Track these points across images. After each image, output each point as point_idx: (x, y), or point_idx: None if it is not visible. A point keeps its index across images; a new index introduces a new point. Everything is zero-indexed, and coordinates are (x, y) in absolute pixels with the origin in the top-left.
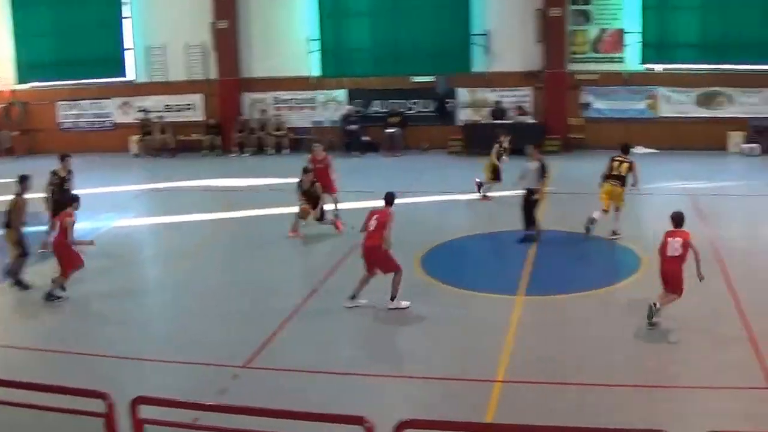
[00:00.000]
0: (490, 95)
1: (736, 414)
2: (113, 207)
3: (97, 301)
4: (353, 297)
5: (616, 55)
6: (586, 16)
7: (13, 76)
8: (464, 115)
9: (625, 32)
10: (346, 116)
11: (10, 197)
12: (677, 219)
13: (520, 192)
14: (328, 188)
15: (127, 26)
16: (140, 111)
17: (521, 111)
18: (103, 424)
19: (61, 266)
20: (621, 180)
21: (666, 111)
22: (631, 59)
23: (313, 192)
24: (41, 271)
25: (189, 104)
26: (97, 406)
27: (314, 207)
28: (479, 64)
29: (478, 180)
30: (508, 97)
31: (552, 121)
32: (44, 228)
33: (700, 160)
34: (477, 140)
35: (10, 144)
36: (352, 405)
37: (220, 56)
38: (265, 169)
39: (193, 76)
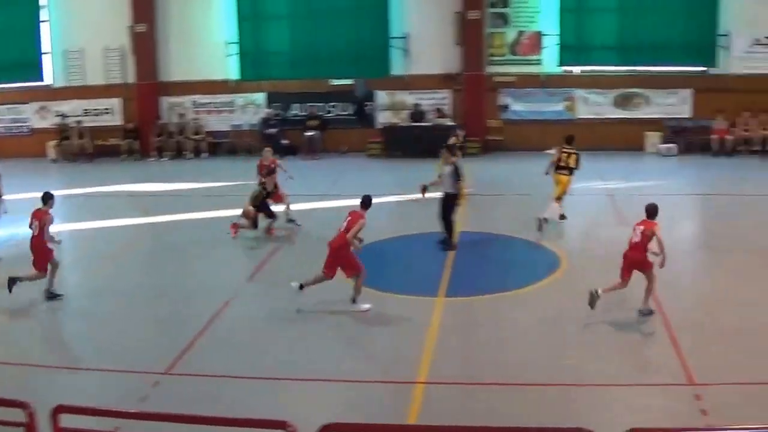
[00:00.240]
0: (409, 98)
1: (658, 411)
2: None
3: (16, 307)
4: (302, 286)
5: (534, 57)
6: (504, 19)
7: None
8: (383, 118)
9: (543, 35)
10: (265, 120)
11: None
12: (650, 210)
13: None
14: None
15: (44, 30)
16: (58, 116)
17: (440, 113)
18: None
19: (36, 263)
20: (569, 170)
21: (583, 112)
22: (549, 61)
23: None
24: None
25: (107, 108)
26: (17, 415)
27: (261, 210)
28: (398, 67)
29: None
30: (427, 100)
31: (471, 123)
32: None
33: (617, 161)
34: (396, 143)
35: None
36: (274, 409)
37: (138, 60)
38: (184, 174)
39: (111, 80)
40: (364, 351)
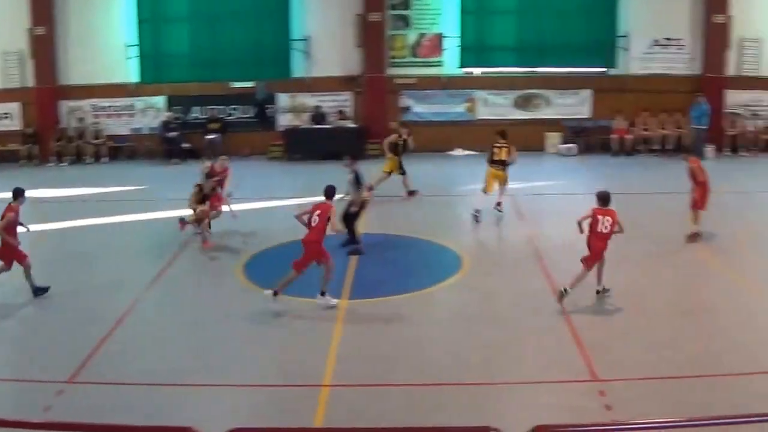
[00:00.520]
0: (311, 100)
1: (563, 407)
2: None
3: None
4: (275, 293)
5: (435, 59)
6: (405, 21)
7: None
8: (285, 121)
9: (444, 37)
10: (166, 123)
11: None
12: (605, 197)
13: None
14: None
15: None
16: None
17: (342, 116)
18: None
19: (3, 258)
20: (503, 164)
21: (484, 113)
22: (450, 63)
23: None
24: None
25: (6, 113)
26: None
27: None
28: (299, 69)
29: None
30: (329, 102)
31: (372, 125)
32: None
33: (518, 161)
34: (297, 145)
35: None
36: (179, 416)
37: (37, 63)
38: (85, 179)
39: (10, 84)
40: (269, 355)
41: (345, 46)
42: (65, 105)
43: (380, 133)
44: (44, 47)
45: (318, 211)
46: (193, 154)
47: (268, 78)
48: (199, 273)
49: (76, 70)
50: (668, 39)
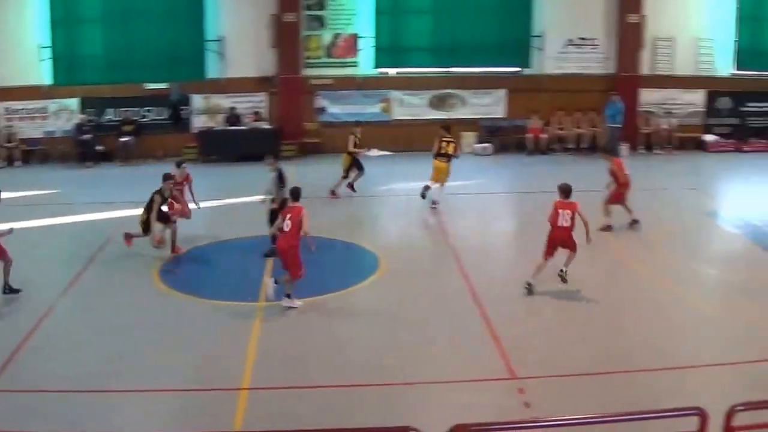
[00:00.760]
0: (225, 101)
1: (481, 406)
2: None
3: None
4: (288, 296)
5: (350, 59)
6: (320, 22)
7: None
8: (199, 122)
9: (359, 37)
10: (79, 125)
11: None
12: (567, 190)
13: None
14: (185, 210)
15: None
16: None
17: (257, 117)
18: None
19: None
20: (448, 157)
21: (399, 114)
22: (365, 64)
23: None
24: None
25: None
26: None
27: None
28: (214, 70)
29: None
30: (244, 103)
31: (288, 126)
32: None
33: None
34: (212, 147)
35: None
36: (98, 423)
37: None
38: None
39: None
40: (187, 360)
41: (260, 46)
42: None
43: (295, 135)
44: None
45: (289, 215)
46: (106, 157)
47: (183, 79)
48: (114, 277)
49: None
50: (583, 39)
